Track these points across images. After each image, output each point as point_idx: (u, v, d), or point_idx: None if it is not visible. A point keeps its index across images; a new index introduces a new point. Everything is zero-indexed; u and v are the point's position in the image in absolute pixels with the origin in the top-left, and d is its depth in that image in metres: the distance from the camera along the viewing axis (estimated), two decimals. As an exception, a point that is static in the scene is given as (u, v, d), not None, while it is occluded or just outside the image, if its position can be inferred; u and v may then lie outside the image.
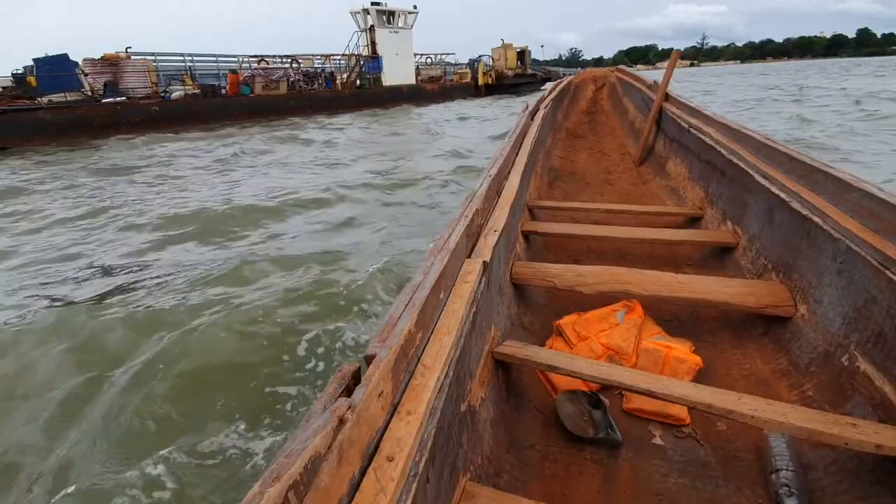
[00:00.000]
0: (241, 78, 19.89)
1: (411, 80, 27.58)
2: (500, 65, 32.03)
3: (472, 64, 32.98)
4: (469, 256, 1.48)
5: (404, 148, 11.20)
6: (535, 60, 36.01)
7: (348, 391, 0.80)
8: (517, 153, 2.79)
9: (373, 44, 25.32)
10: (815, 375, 1.49)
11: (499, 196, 2.03)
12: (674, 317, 1.92)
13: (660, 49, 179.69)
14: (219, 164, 10.10)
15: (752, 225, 2.17)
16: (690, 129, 3.18)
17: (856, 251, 1.46)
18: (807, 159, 1.89)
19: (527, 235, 2.56)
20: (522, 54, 33.40)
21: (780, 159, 2.08)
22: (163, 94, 18.19)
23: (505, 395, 1.51)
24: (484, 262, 1.45)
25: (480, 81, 31.07)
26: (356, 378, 0.84)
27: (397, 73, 25.92)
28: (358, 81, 24.59)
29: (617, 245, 2.55)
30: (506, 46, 32.17)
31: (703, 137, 2.93)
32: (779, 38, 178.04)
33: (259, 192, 7.04)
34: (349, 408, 0.74)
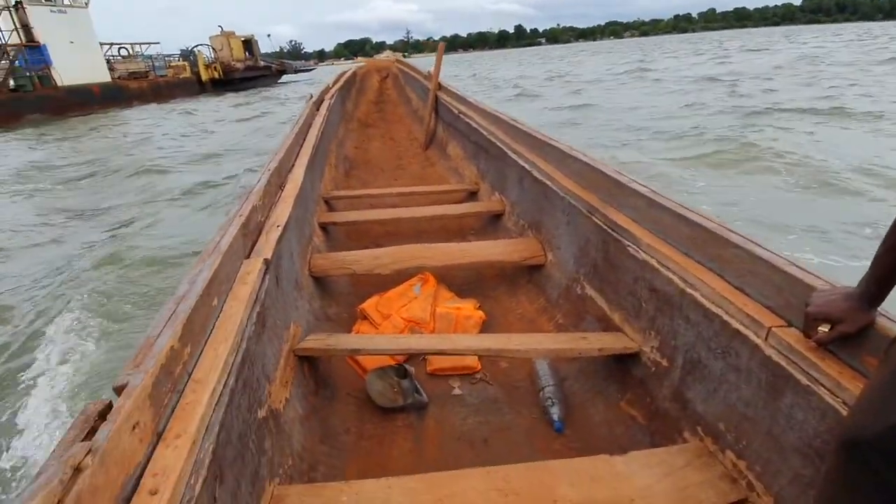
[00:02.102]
0: None
1: (104, 77, 21.33)
2: (224, 56, 27.20)
3: (189, 56, 27.48)
4: (248, 257, 1.42)
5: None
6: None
7: (93, 433, 0.73)
8: (301, 145, 2.75)
9: (25, 27, 18.24)
10: (562, 306, 1.88)
11: (282, 190, 1.98)
12: (463, 280, 2.19)
13: (374, 42, 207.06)
14: None
15: (512, 193, 2.58)
16: (460, 115, 3.59)
17: (574, 205, 1.86)
18: (538, 135, 2.34)
19: (325, 227, 2.58)
20: (249, 44, 28.93)
21: (522, 137, 2.51)
22: None
23: (314, 389, 1.54)
24: (265, 260, 1.41)
25: (204, 76, 26.11)
26: (105, 416, 0.76)
27: (78, 67, 19.19)
28: (11, 82, 17.60)
29: (413, 224, 2.76)
30: (227, 35, 27.51)
31: (469, 122, 3.34)
32: (463, 33, 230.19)
33: None
34: (88, 452, 0.66)
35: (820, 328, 0.89)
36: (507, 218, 2.59)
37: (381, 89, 6.01)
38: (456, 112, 3.70)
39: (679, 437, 1.26)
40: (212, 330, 1.08)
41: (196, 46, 27.33)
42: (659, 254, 1.40)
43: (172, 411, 0.85)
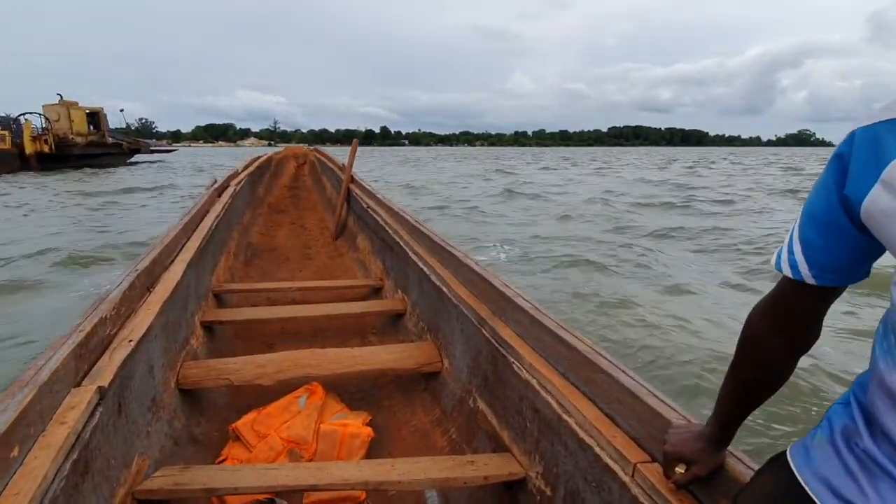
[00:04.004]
0: None
1: None
2: (61, 128, 23.13)
3: (10, 123, 22.49)
4: (79, 384, 1.21)
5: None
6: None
7: None
8: (189, 237, 2.56)
9: None
10: (456, 419, 1.77)
11: (150, 292, 1.79)
12: (356, 389, 2.04)
13: (238, 128, 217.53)
14: None
15: (412, 293, 2.53)
16: (368, 210, 3.61)
17: (466, 314, 1.82)
18: (437, 239, 2.35)
19: (210, 327, 2.37)
20: (95, 117, 25.05)
21: (423, 239, 2.52)
22: None
23: None
24: (100, 388, 1.20)
25: (28, 149, 21.54)
26: None
27: None
28: None
29: (311, 323, 2.60)
30: (67, 105, 23.63)
31: (377, 218, 3.35)
32: (331, 129, 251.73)
33: None
34: None
35: (677, 469, 0.88)
36: (408, 318, 2.51)
37: (298, 175, 6.01)
38: (365, 206, 3.73)
39: None
40: (0, 494, 0.87)
41: (23, 115, 22.46)
42: (540, 374, 1.37)
43: None
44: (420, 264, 2.35)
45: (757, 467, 0.72)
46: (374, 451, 1.69)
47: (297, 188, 5.76)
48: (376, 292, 3.06)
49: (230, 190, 3.98)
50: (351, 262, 3.81)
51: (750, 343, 0.68)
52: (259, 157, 5.85)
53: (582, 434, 1.16)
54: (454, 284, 1.98)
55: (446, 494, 1.51)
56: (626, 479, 1.01)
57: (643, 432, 1.04)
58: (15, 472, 0.92)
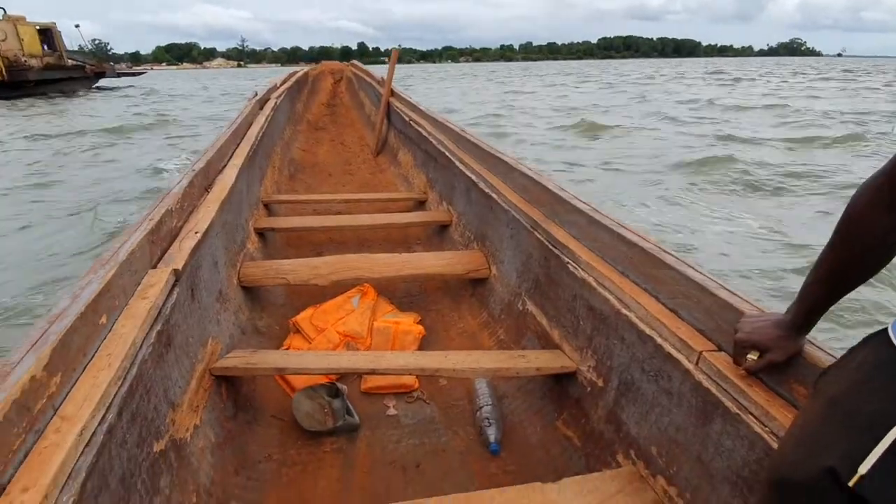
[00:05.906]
0: None
1: None
2: (9, 49, 19.43)
3: None
4: (154, 266, 1.29)
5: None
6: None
7: None
8: (238, 145, 2.54)
9: None
10: (504, 322, 1.88)
11: (208, 192, 1.80)
12: (405, 293, 2.13)
13: (202, 48, 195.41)
14: None
15: (459, 204, 2.54)
16: (411, 123, 3.49)
17: (518, 219, 1.85)
18: (486, 147, 2.31)
19: (262, 233, 2.42)
20: (49, 35, 21.25)
21: (470, 148, 2.48)
22: None
23: (233, 412, 1.42)
24: (175, 270, 1.27)
25: None
26: None
27: None
28: None
29: (357, 232, 2.68)
30: (14, 20, 19.67)
31: (420, 130, 3.26)
32: (304, 47, 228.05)
33: None
34: None
35: (749, 356, 0.88)
36: (454, 229, 2.55)
37: (335, 92, 5.77)
38: (407, 119, 3.61)
39: (613, 461, 1.26)
40: (94, 354, 0.94)
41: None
42: (596, 272, 1.40)
43: (26, 457, 0.72)
44: (468, 173, 2.34)
45: (838, 355, 0.70)
46: (423, 349, 1.81)
47: (335, 105, 5.59)
48: (420, 205, 3.08)
49: (271, 103, 3.85)
50: (393, 177, 3.78)
51: (854, 222, 0.64)
52: (296, 72, 5.60)
53: (642, 326, 1.17)
54: (505, 191, 1.98)
55: (496, 384, 1.64)
56: (690, 366, 1.02)
57: (710, 324, 1.03)
58: (105, 338, 0.99)
